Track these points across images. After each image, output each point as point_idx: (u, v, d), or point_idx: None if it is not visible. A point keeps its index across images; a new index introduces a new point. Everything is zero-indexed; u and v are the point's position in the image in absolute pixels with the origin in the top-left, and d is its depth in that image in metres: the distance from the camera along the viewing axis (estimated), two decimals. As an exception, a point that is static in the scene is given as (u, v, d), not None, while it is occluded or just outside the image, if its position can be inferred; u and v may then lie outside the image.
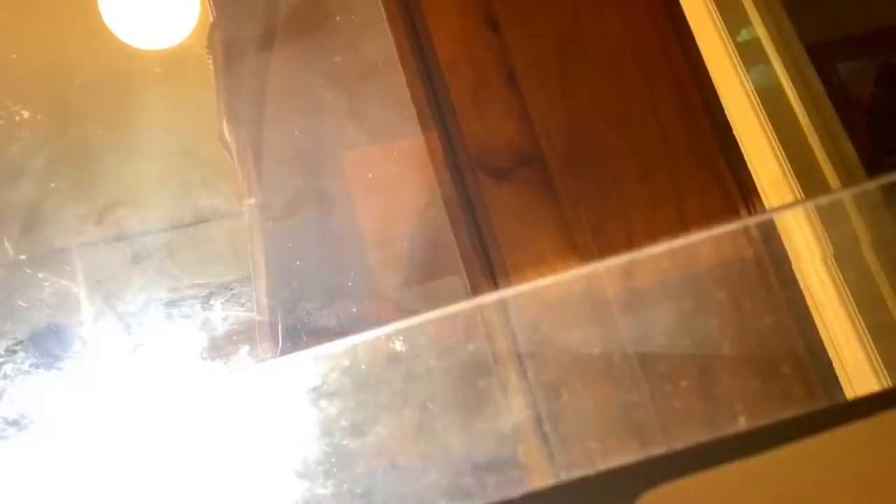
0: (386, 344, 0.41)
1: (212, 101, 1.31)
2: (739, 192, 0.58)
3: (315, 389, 0.41)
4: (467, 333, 0.43)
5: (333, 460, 0.43)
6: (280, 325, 1.22)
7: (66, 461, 0.42)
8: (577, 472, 0.39)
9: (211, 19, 1.37)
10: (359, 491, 0.42)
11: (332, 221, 1.23)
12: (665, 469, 0.37)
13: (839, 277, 1.07)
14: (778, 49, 1.30)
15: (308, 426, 0.43)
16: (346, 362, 0.41)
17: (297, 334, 1.21)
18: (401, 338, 0.41)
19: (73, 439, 0.43)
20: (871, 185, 0.76)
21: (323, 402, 0.42)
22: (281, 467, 0.43)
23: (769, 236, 0.52)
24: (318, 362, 0.41)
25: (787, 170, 1.32)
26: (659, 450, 0.52)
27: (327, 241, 1.22)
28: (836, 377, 0.57)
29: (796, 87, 1.31)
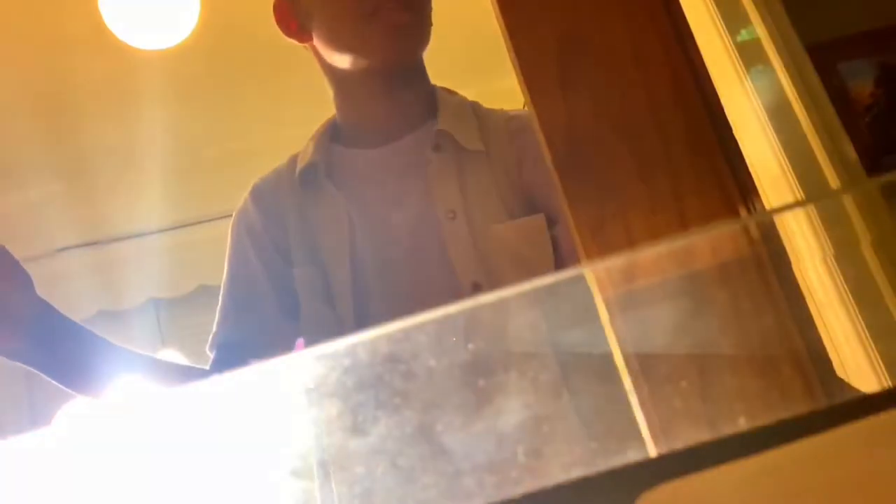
0: (386, 344, 0.41)
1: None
2: (739, 192, 0.58)
3: (315, 389, 0.41)
4: (467, 333, 0.43)
5: (333, 460, 0.43)
6: None
7: (62, 462, 0.42)
8: (577, 472, 0.39)
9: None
10: (359, 491, 0.42)
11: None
12: (665, 469, 0.37)
13: (839, 277, 1.06)
14: (778, 49, 1.30)
15: (308, 426, 0.43)
16: (347, 362, 0.41)
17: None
18: (401, 338, 0.41)
19: (67, 439, 0.43)
20: (871, 185, 0.76)
21: (323, 402, 0.42)
22: (280, 467, 0.43)
23: (769, 236, 0.52)
24: (318, 362, 0.41)
25: (787, 170, 1.32)
26: (659, 450, 0.51)
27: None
28: (836, 377, 0.57)
29: (796, 86, 1.30)
